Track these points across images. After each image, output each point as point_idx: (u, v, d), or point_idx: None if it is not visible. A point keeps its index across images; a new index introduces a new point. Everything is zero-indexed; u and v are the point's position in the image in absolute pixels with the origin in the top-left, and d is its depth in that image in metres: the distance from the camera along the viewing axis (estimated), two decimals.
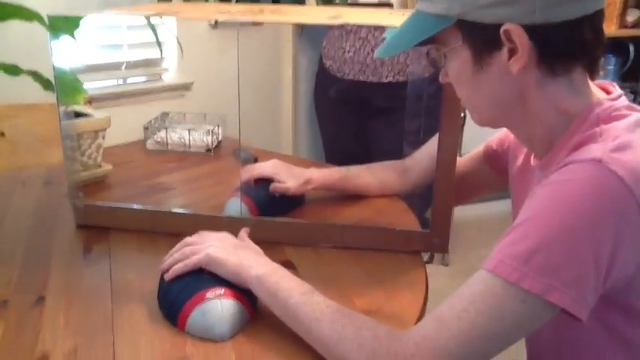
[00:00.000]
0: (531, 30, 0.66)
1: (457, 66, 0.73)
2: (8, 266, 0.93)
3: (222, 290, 0.78)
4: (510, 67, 0.68)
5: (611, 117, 0.69)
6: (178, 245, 0.85)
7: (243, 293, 0.79)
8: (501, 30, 0.66)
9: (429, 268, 2.38)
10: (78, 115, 1.27)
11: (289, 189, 1.11)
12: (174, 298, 0.79)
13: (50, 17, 0.97)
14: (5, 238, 1.03)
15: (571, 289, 0.61)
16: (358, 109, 1.77)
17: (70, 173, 1.06)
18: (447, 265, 2.48)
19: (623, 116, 0.69)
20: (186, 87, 1.59)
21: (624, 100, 0.72)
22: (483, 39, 0.69)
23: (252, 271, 0.78)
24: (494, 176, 1.00)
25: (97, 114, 1.27)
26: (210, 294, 0.78)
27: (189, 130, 1.45)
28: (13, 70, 1.06)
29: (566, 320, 0.63)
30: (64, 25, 0.97)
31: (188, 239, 0.86)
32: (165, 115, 1.58)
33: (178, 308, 0.78)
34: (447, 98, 0.91)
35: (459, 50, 0.71)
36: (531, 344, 0.87)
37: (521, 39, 0.66)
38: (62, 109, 1.11)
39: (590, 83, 0.73)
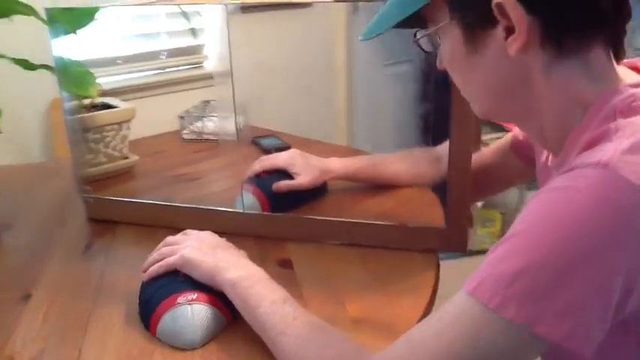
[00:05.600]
0: (530, 2, 0.54)
1: (449, 48, 0.62)
2: (10, 259, 0.93)
3: (194, 295, 0.73)
4: (508, 47, 0.56)
5: (631, 108, 0.54)
6: (160, 245, 0.80)
7: (220, 298, 0.73)
8: (493, 3, 0.55)
9: (462, 261, 2.21)
10: (105, 106, 1.26)
11: (301, 185, 1.03)
12: (148, 301, 0.75)
13: (49, 10, 0.94)
14: (19, 229, 1.04)
15: (564, 321, 0.49)
16: None
17: (78, 166, 1.05)
18: None
19: None
20: (225, 74, 1.55)
21: None
22: (474, 14, 0.57)
23: (227, 275, 0.72)
24: (523, 167, 0.87)
25: (123, 105, 1.25)
26: (181, 298, 0.72)
27: (219, 119, 1.41)
28: (27, 64, 1.06)
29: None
30: (64, 17, 0.95)
31: (169, 239, 0.81)
32: (205, 103, 1.54)
33: (151, 312, 0.73)
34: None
35: (449, 29, 0.60)
36: None
37: (517, 14, 0.54)
38: (72, 102, 1.09)
39: (615, 64, 0.59)
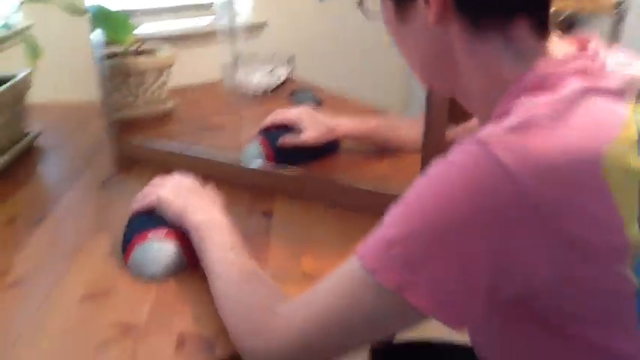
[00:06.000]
0: None
1: (385, 15, 0.63)
2: (39, 184, 1.05)
3: (164, 232, 0.80)
4: (427, 18, 0.57)
5: (539, 86, 0.53)
6: (147, 185, 0.88)
7: (188, 239, 0.80)
8: None
9: None
10: (148, 52, 1.35)
11: (306, 140, 1.06)
12: (127, 234, 0.83)
13: None
14: (56, 159, 1.17)
15: (431, 291, 0.50)
16: None
17: (107, 108, 1.14)
18: None
19: (561, 85, 0.52)
20: (260, 26, 1.60)
21: (582, 64, 0.54)
22: None
23: (192, 217, 0.78)
24: None
25: (163, 52, 1.33)
26: (152, 234, 0.80)
27: (253, 71, 1.46)
28: (74, 9, 1.15)
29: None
30: None
31: (156, 180, 0.88)
32: (251, 55, 1.59)
33: (126, 244, 0.81)
34: None
35: None
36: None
37: None
38: (107, 48, 1.17)
39: (553, 41, 0.57)
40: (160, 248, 0.79)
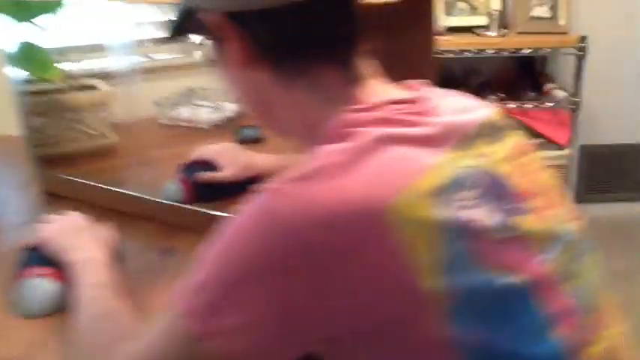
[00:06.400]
0: (236, 18, 0.55)
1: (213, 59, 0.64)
2: None
3: (47, 270, 0.80)
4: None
5: (337, 134, 0.53)
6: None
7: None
8: (207, 19, 0.57)
9: None
10: (87, 88, 1.37)
11: (224, 177, 1.07)
12: (17, 269, 0.83)
13: None
14: None
15: (231, 340, 0.50)
16: None
17: (33, 145, 1.16)
18: None
19: (352, 135, 0.52)
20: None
21: (389, 111, 0.54)
22: (202, 26, 0.59)
23: (70, 255, 0.79)
24: None
25: (103, 88, 1.36)
26: (36, 271, 0.80)
27: (198, 106, 1.47)
28: None
29: None
30: (9, 9, 1.05)
31: (47, 217, 0.89)
32: (190, 90, 1.61)
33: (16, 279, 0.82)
34: None
35: (206, 39, 0.62)
36: None
37: (224, 29, 0.56)
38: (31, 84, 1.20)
39: (374, 86, 0.58)
40: (39, 286, 0.79)
